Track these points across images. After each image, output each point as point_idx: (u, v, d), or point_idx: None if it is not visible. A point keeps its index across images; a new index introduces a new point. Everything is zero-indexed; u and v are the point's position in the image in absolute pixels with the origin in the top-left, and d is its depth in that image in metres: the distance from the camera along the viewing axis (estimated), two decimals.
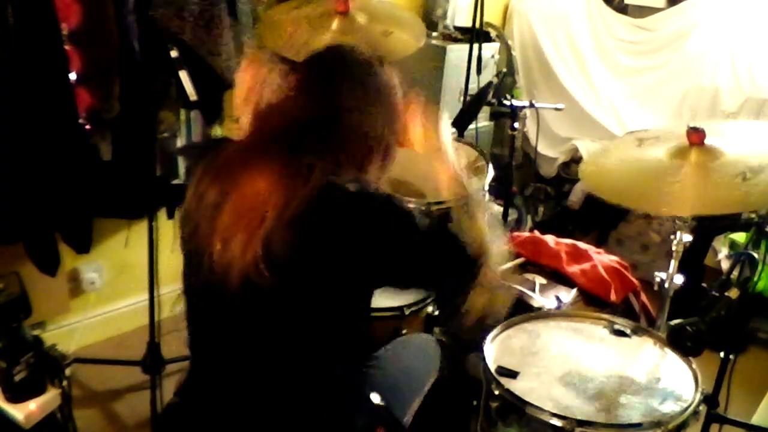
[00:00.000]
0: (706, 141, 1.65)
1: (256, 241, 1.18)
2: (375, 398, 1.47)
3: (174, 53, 2.10)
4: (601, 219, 3.82)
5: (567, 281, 2.36)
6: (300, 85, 1.33)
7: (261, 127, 1.32)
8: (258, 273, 1.18)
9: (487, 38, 3.65)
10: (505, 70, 3.82)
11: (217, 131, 2.81)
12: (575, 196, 3.91)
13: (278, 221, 1.18)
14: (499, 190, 2.69)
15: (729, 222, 3.05)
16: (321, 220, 1.21)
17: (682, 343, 1.51)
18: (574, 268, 2.39)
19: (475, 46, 3.32)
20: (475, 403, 1.72)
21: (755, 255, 1.70)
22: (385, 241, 1.26)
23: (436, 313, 2.17)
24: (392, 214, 1.28)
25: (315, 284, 1.24)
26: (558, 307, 2.15)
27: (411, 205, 2.16)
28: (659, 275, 1.94)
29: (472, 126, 2.99)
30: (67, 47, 2.12)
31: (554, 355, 1.71)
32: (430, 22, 3.66)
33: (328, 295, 1.27)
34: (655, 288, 1.95)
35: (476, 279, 1.34)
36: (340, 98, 1.30)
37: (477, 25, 3.29)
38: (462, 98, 3.44)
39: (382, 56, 1.40)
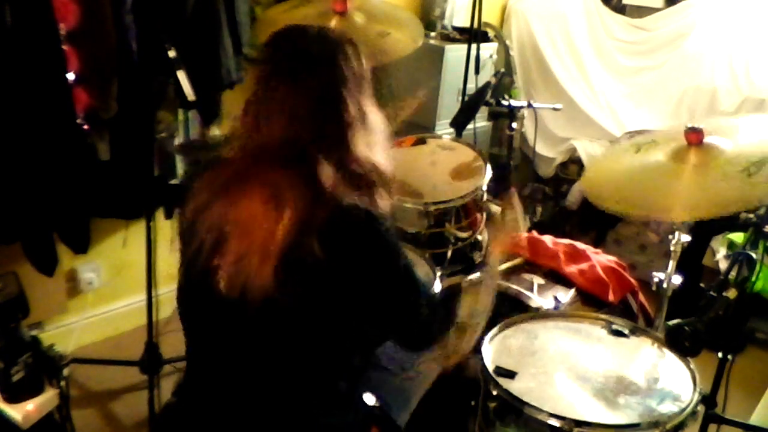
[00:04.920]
0: (705, 140, 1.65)
1: (271, 257, 1.18)
2: (369, 399, 1.47)
3: (172, 53, 2.09)
4: (599, 219, 3.83)
5: (565, 281, 2.35)
6: (267, 89, 1.26)
7: (250, 140, 1.27)
8: (277, 288, 1.18)
9: (485, 38, 3.65)
10: (503, 70, 3.81)
11: (215, 131, 2.81)
12: (573, 197, 3.92)
13: (291, 236, 1.18)
14: (498, 190, 2.69)
15: (727, 222, 3.05)
16: (332, 237, 1.20)
17: (680, 344, 1.51)
18: (572, 268, 2.39)
19: (473, 46, 3.32)
20: (473, 403, 1.72)
21: (753, 255, 1.70)
22: (376, 267, 1.26)
23: None
24: (394, 240, 1.28)
25: (322, 299, 1.24)
26: (556, 308, 2.15)
27: (408, 205, 2.17)
28: (657, 275, 1.94)
29: (470, 126, 3.00)
30: (65, 47, 2.12)
31: (552, 355, 1.71)
32: (428, 22, 3.66)
33: (333, 307, 1.26)
34: (653, 288, 1.95)
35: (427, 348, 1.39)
36: (309, 96, 1.24)
37: (475, 25, 3.29)
38: (460, 98, 3.45)
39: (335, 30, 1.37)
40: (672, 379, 1.63)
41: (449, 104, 3.47)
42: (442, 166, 2.38)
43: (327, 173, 1.21)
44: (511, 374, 1.61)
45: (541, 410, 1.47)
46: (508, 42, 4.13)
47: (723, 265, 3.17)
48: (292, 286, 1.19)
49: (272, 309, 1.21)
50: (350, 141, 1.27)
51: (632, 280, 2.44)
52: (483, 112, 3.44)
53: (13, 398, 1.80)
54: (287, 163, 1.22)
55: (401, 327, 1.35)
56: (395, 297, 1.29)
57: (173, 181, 2.69)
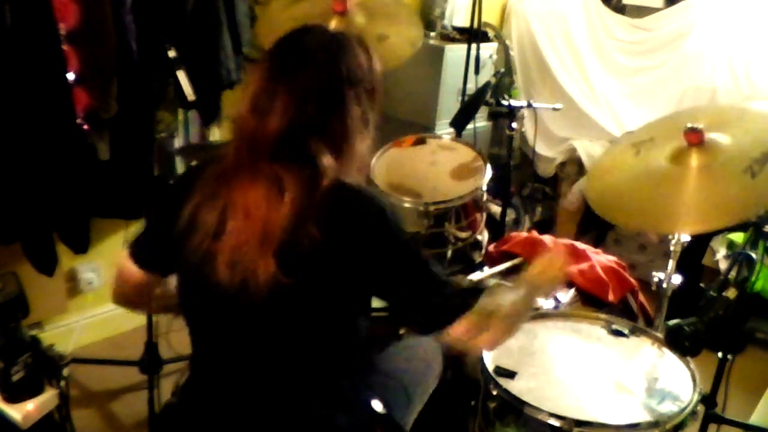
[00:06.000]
0: (705, 139, 1.66)
1: (270, 246, 1.18)
2: (377, 405, 1.47)
3: (172, 53, 2.09)
4: (599, 219, 3.82)
5: (565, 281, 2.35)
6: (268, 85, 1.27)
7: (243, 137, 1.28)
8: (281, 275, 1.18)
9: (485, 38, 3.64)
10: (503, 70, 3.82)
11: (215, 131, 2.81)
12: (573, 197, 3.91)
13: (288, 228, 1.19)
14: (498, 190, 2.69)
15: None
16: (331, 218, 1.21)
17: (680, 343, 1.51)
18: (572, 268, 2.39)
19: (473, 46, 3.32)
20: (472, 403, 1.72)
21: (753, 255, 1.70)
22: (381, 241, 1.25)
23: None
24: (391, 216, 1.27)
25: (325, 283, 1.24)
26: (556, 307, 2.15)
27: (407, 205, 2.17)
28: (657, 275, 1.94)
29: (470, 126, 3.00)
30: (64, 47, 2.12)
31: (552, 355, 1.71)
32: (429, 22, 3.66)
33: (336, 293, 1.27)
34: (653, 288, 1.95)
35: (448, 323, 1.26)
36: (309, 93, 1.25)
37: (475, 25, 3.29)
38: (460, 98, 3.45)
39: (348, 32, 1.36)
40: (672, 379, 1.63)
41: (449, 104, 3.46)
42: (442, 166, 2.38)
43: (328, 162, 1.22)
44: (510, 374, 1.61)
45: (541, 410, 1.47)
46: (508, 42, 4.13)
47: (723, 265, 3.17)
48: (294, 272, 1.19)
49: (279, 297, 1.21)
50: (350, 139, 1.28)
51: (632, 280, 2.44)
52: (483, 112, 3.43)
53: (13, 398, 1.80)
54: (283, 156, 1.23)
55: (412, 300, 1.30)
56: (400, 266, 1.27)
57: (173, 181, 2.69)
